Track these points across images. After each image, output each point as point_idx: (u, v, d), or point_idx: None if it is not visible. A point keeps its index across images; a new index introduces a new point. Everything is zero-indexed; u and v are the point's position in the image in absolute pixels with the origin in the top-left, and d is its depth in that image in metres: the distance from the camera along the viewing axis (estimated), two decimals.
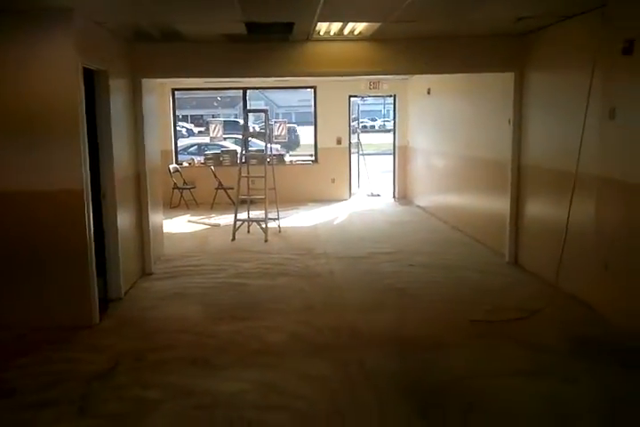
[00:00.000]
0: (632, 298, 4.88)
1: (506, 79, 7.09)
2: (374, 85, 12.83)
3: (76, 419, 3.64)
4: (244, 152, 9.72)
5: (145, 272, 6.96)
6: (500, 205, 7.48)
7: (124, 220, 6.19)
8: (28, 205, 5.10)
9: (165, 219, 8.53)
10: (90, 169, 5.29)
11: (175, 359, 4.50)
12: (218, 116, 34.05)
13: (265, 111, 10.09)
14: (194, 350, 4.67)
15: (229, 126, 21.97)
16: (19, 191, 5.06)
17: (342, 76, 8.63)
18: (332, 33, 6.64)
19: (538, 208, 6.76)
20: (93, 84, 5.75)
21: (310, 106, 13.57)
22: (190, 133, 29.20)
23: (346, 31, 6.55)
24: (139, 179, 6.89)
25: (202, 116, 36.54)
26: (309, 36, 6.74)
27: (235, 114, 36.61)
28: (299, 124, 30.42)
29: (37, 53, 4.96)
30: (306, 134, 24.75)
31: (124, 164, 6.35)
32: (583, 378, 4.09)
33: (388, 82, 12.73)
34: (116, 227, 5.95)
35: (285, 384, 4.07)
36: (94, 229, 5.33)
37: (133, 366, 4.40)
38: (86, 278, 5.20)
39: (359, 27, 6.36)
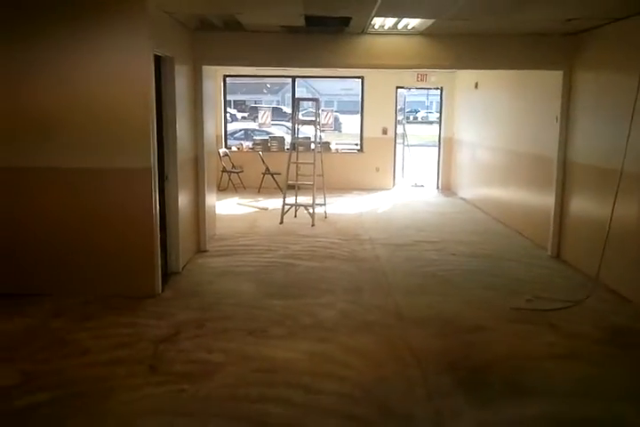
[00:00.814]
0: None
1: (554, 77, 7.25)
2: (422, 78, 13.01)
3: (148, 376, 4.02)
4: (294, 139, 10.03)
5: (200, 249, 7.36)
6: (544, 199, 7.66)
7: (183, 199, 6.56)
8: (102, 181, 5.48)
9: (216, 201, 8.88)
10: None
11: (233, 329, 4.86)
12: (261, 102, 34.41)
13: (316, 100, 10.37)
14: (250, 322, 5.03)
15: (274, 113, 22.31)
16: (95, 168, 5.45)
17: (393, 68, 8.89)
18: (386, 27, 6.89)
19: (582, 204, 6.94)
20: (159, 69, 6.10)
21: (352, 95, 13.81)
22: (234, 119, 29.61)
23: (400, 26, 6.78)
24: (197, 161, 7.27)
25: (244, 101, 36.91)
26: (365, 29, 7.00)
27: (277, 100, 36.94)
28: (341, 112, 30.63)
29: (113, 40, 5.30)
30: (348, 123, 24.99)
31: (186, 147, 6.72)
32: (612, 363, 4.34)
33: (436, 74, 12.88)
34: (177, 206, 6.33)
35: (335, 355, 4.40)
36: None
37: (195, 333, 4.76)
38: (151, 251, 5.58)
39: (413, 22, 6.59)
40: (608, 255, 5.75)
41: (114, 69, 5.35)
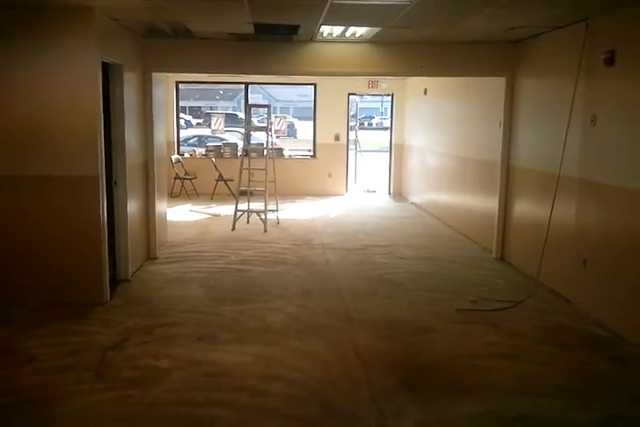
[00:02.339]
0: (605, 292, 5.29)
1: (498, 83, 7.48)
2: (373, 84, 13.22)
3: (95, 382, 4.02)
4: (245, 145, 10.09)
5: (150, 256, 7.34)
6: (490, 203, 7.88)
7: (132, 206, 6.55)
8: (47, 189, 5.46)
9: (167, 208, 8.88)
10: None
11: (182, 335, 4.89)
12: (216, 108, 34.31)
13: (267, 106, 10.45)
14: (199, 327, 5.06)
15: (228, 119, 22.31)
16: (40, 176, 5.43)
17: (343, 76, 9.05)
18: (334, 35, 7.00)
19: (524, 207, 7.17)
20: (107, 76, 6.10)
21: (308, 101, 13.92)
22: (189, 125, 29.48)
23: (348, 34, 6.91)
24: (147, 167, 7.26)
25: (200, 107, 36.77)
26: (313, 37, 7.11)
27: (233, 106, 36.87)
28: (297, 118, 30.75)
29: (61, 48, 5.33)
30: (304, 129, 25.12)
31: (135, 152, 6.72)
32: (550, 361, 4.52)
33: (387, 81, 13.10)
34: (126, 212, 6.33)
35: (283, 358, 4.47)
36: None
37: (143, 339, 4.78)
38: (99, 259, 5.58)
39: (360, 30, 6.73)
40: (548, 257, 5.96)
41: (62, 77, 5.37)
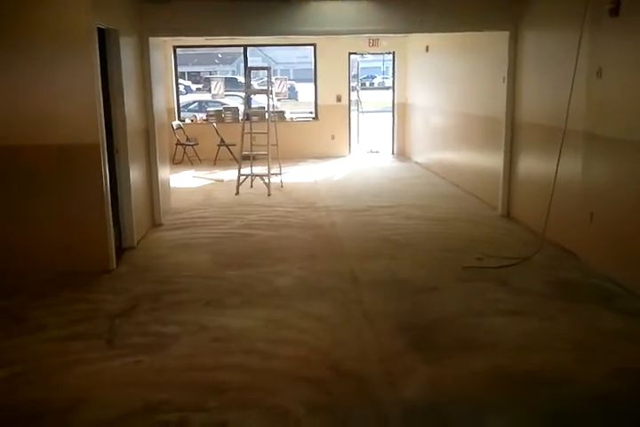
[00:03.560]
0: (613, 246, 5.25)
1: (501, 38, 7.31)
2: (374, 43, 12.98)
3: (105, 349, 4.05)
4: (246, 109, 9.97)
5: (155, 223, 7.33)
6: (495, 160, 7.79)
7: (135, 173, 6.51)
8: (50, 158, 5.41)
9: (170, 174, 8.84)
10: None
11: (189, 301, 4.90)
12: (215, 73, 33.93)
13: (267, 69, 10.27)
14: (206, 293, 5.07)
15: (228, 83, 22.05)
16: (40, 145, 5.38)
17: (342, 35, 8.86)
18: None
19: (529, 163, 7.09)
20: (104, 42, 5.99)
21: (309, 62, 13.70)
22: (188, 90, 29.19)
23: None
24: (148, 134, 7.19)
25: (199, 73, 36.38)
26: None
27: (232, 71, 36.46)
28: (297, 80, 30.40)
29: (52, 13, 5.19)
30: (304, 91, 24.85)
31: (135, 119, 6.64)
32: (559, 316, 4.51)
33: (388, 39, 12.86)
34: (129, 180, 6.28)
35: (291, 321, 4.48)
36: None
37: (151, 306, 4.79)
38: (103, 227, 5.56)
39: None
40: (554, 212, 5.91)
41: (56, 43, 5.24)
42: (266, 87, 9.84)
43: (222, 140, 12.31)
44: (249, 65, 12.90)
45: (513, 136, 7.37)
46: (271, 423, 3.23)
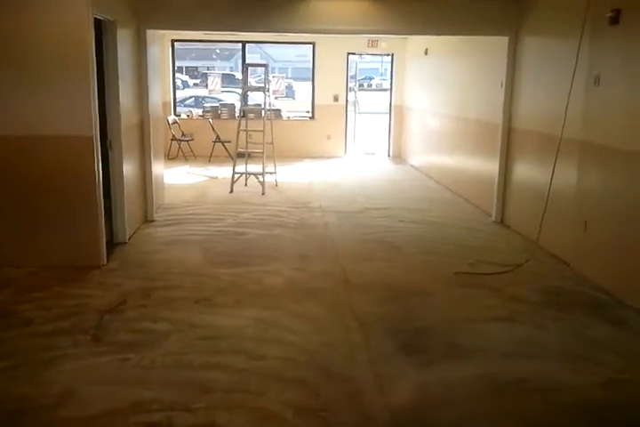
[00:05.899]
0: (605, 256, 5.25)
1: (500, 43, 7.30)
2: (373, 44, 12.96)
3: (91, 346, 4.01)
4: (243, 106, 9.93)
5: (147, 219, 7.28)
6: (490, 166, 7.78)
7: (128, 167, 6.45)
8: (42, 150, 5.36)
9: (164, 169, 8.78)
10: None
11: (179, 298, 4.86)
12: (213, 68, 33.83)
13: (265, 66, 10.23)
14: (197, 290, 5.03)
15: (225, 79, 21.97)
16: (33, 136, 5.32)
17: (341, 34, 8.84)
18: None
19: (524, 170, 7.08)
20: (101, 34, 5.93)
21: (307, 61, 13.66)
22: (185, 85, 29.06)
23: None
24: (142, 128, 7.14)
25: (197, 68, 36.23)
26: None
27: (230, 67, 36.35)
28: (295, 79, 30.32)
29: (49, 2, 5.14)
30: (303, 90, 24.77)
31: (130, 113, 6.58)
32: (549, 324, 4.50)
33: (387, 41, 12.84)
34: (122, 174, 6.23)
35: (281, 322, 4.45)
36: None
37: (141, 302, 4.75)
38: (95, 221, 5.51)
39: None
40: (548, 220, 5.90)
41: (50, 33, 5.18)
42: (263, 84, 9.79)
43: (218, 137, 12.25)
44: (247, 62, 12.85)
45: (509, 142, 7.37)
46: (258, 425, 3.19)
